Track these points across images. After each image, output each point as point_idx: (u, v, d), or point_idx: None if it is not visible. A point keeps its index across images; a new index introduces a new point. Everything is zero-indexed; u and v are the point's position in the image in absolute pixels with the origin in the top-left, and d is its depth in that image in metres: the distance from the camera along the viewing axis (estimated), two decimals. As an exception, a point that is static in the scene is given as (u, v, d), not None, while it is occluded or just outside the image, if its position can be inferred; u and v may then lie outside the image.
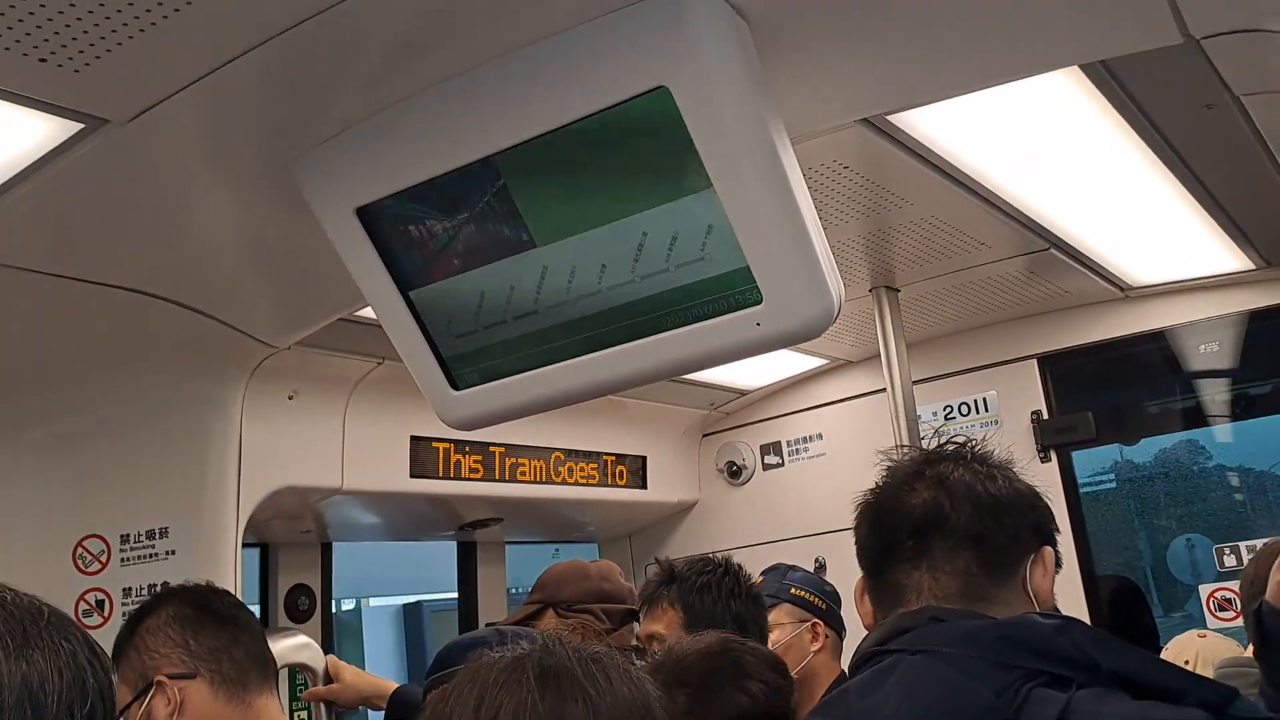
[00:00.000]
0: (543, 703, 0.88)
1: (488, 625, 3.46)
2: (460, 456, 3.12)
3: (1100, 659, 1.14)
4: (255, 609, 3.22)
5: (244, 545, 3.20)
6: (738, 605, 2.07)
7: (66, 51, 1.28)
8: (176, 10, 1.24)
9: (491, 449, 3.23)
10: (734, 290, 1.44)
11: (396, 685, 2.47)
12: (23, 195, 1.58)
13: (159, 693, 1.65)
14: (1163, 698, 1.11)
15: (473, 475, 3.16)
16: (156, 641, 1.70)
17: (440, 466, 3.07)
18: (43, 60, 1.28)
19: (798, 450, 3.94)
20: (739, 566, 2.18)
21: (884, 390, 3.15)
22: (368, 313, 1.77)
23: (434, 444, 3.05)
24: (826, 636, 2.32)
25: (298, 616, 3.28)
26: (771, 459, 4.00)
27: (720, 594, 2.07)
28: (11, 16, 1.20)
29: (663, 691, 1.60)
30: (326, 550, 3.48)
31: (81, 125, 1.44)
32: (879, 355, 3.16)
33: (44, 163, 1.52)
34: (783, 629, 2.30)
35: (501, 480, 3.26)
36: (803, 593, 2.35)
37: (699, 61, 1.34)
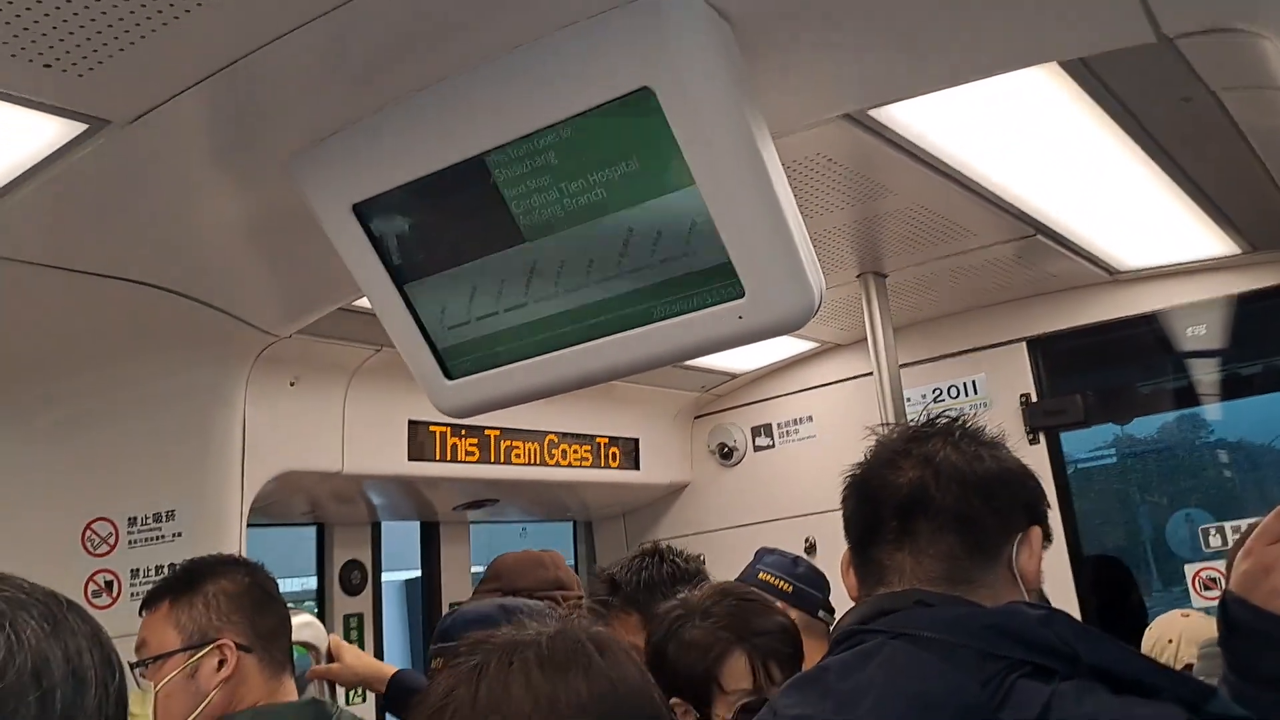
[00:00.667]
0: (603, 662, 0.94)
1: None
2: (456, 440, 3.17)
3: (1082, 652, 1.13)
4: (313, 582, 3.50)
5: (302, 524, 3.41)
6: (683, 588, 1.97)
7: (70, 57, 1.32)
8: (176, 17, 1.28)
9: (487, 432, 3.28)
10: (717, 284, 1.48)
11: (395, 669, 2.49)
12: (29, 193, 1.63)
13: (215, 653, 1.69)
14: (1140, 692, 1.11)
15: (469, 458, 3.22)
16: (230, 606, 1.73)
17: (437, 449, 3.13)
18: (47, 65, 1.33)
19: (788, 432, 3.98)
20: (668, 548, 2.15)
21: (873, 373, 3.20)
22: (365, 302, 1.82)
23: (431, 428, 3.10)
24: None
25: (351, 590, 3.49)
26: (763, 440, 4.04)
27: (664, 582, 2.03)
28: (17, 25, 1.24)
29: (684, 628, 1.68)
30: (376, 529, 3.63)
31: (85, 126, 1.49)
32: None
33: (49, 162, 1.56)
34: None
35: (497, 463, 3.32)
36: (768, 577, 2.39)
37: (681, 63, 1.37)
